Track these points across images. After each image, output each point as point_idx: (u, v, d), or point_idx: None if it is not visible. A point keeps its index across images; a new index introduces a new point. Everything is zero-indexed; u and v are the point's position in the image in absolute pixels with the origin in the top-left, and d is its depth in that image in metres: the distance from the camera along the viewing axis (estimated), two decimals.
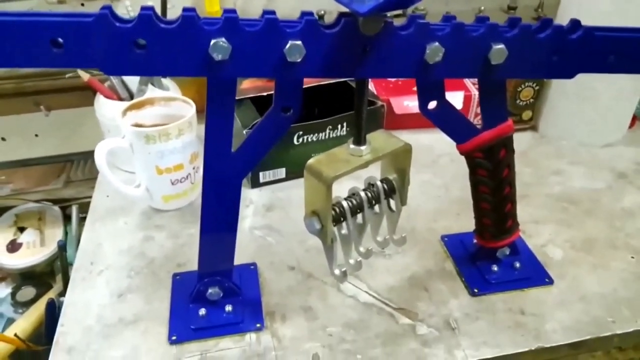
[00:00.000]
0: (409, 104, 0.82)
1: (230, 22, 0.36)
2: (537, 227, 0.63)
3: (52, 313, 0.73)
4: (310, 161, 0.45)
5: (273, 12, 0.37)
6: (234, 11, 0.36)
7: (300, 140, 0.69)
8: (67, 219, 0.96)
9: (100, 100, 0.71)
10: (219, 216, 0.46)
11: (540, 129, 0.84)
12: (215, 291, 0.51)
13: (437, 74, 0.40)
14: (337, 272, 0.48)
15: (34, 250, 0.90)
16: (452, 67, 0.40)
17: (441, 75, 0.40)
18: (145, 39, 0.35)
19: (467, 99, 0.81)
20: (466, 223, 0.61)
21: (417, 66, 0.39)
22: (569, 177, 0.73)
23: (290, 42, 0.36)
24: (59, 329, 0.51)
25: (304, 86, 0.41)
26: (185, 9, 0.35)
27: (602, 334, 0.49)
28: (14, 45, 0.34)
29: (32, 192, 0.92)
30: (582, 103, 0.77)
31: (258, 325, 0.50)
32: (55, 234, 0.93)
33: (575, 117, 0.79)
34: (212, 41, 0.35)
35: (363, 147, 0.45)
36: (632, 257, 0.59)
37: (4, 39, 0.34)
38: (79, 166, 0.97)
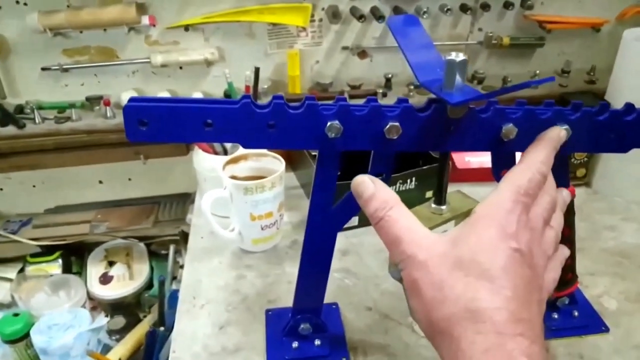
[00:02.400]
0: (470, 159, 0.89)
1: (343, 108, 0.44)
2: (593, 279, 0.69)
3: (153, 341, 0.82)
4: None
5: (375, 100, 0.45)
6: (344, 99, 0.45)
7: None
8: (151, 254, 1.07)
9: (199, 154, 0.81)
10: (316, 261, 0.54)
11: (594, 185, 0.90)
12: (306, 327, 0.58)
13: (510, 148, 0.48)
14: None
15: (124, 283, 1.00)
16: (523, 143, 0.47)
17: (514, 149, 0.48)
18: (277, 121, 0.44)
19: None
20: None
21: (493, 142, 0.47)
22: (622, 233, 0.78)
23: (390, 124, 0.45)
24: (171, 354, 0.59)
25: None
26: (307, 97, 0.45)
27: None
28: (173, 125, 0.43)
29: (124, 230, 1.02)
30: (635, 163, 0.82)
31: (344, 359, 0.57)
32: (141, 268, 1.04)
33: (627, 176, 0.84)
34: (329, 123, 0.44)
35: (443, 207, 0.52)
36: None
37: (166, 121, 0.43)
38: (165, 208, 1.08)
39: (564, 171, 0.52)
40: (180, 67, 0.98)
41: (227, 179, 0.69)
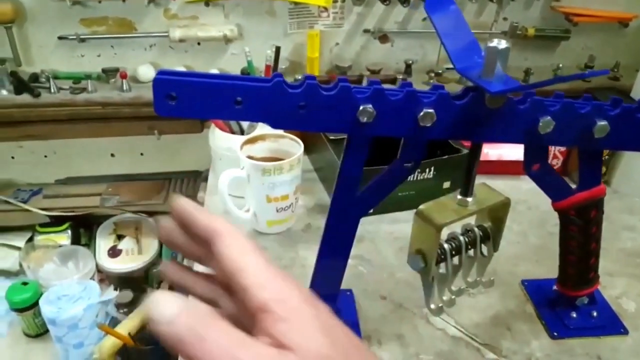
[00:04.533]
0: (489, 152, 0.88)
1: (377, 92, 0.43)
2: (611, 280, 0.68)
3: None
4: (421, 207, 0.52)
5: (410, 84, 0.44)
6: (378, 82, 0.44)
7: None
8: None
9: (215, 132, 0.80)
10: (337, 245, 0.53)
11: (613, 184, 0.88)
12: None
13: (546, 142, 0.46)
14: (433, 306, 0.54)
15: (133, 257, 1.00)
16: (559, 137, 0.46)
17: (550, 143, 0.47)
18: (308, 102, 0.43)
19: None
20: (544, 269, 0.66)
21: (529, 134, 0.45)
22: None
23: (424, 110, 0.43)
24: None
25: None
26: (340, 79, 0.43)
27: None
28: (203, 100, 0.42)
29: (135, 204, 1.02)
30: None
31: None
32: (150, 243, 1.03)
33: None
34: (361, 107, 0.43)
35: (469, 199, 0.51)
36: None
37: (196, 96, 0.42)
38: (177, 184, 1.07)
39: (596, 168, 0.50)
40: (198, 43, 0.96)
41: (245, 159, 0.68)
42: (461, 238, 0.54)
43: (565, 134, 0.46)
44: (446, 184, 0.80)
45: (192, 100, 0.41)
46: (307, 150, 0.91)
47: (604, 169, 0.88)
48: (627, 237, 0.77)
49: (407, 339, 0.58)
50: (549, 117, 0.45)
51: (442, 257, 0.53)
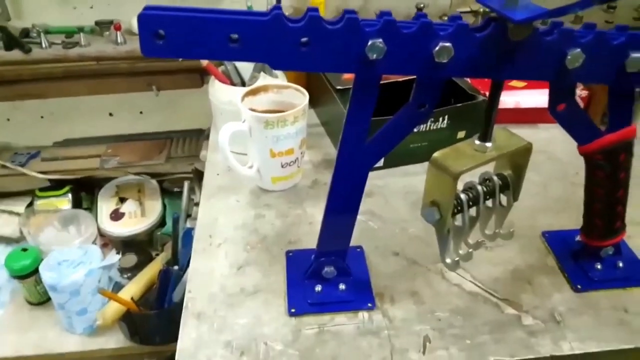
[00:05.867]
0: (505, 99, 0.83)
1: (388, 24, 0.39)
2: (637, 229, 0.64)
3: (166, 281, 0.79)
4: (436, 154, 0.48)
5: (425, 15, 0.39)
6: (389, 13, 0.39)
7: None
8: (163, 192, 1.03)
9: (215, 85, 0.75)
10: (345, 199, 0.49)
11: None
12: (330, 270, 0.54)
13: (574, 79, 0.42)
14: (449, 260, 0.51)
15: (136, 220, 0.97)
16: (589, 73, 0.42)
17: (578, 80, 0.42)
18: (311, 38, 0.38)
19: None
20: (566, 221, 0.63)
21: (556, 70, 0.41)
22: None
23: (440, 44, 0.39)
24: (187, 295, 0.56)
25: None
26: (347, 11, 0.39)
27: None
28: (194, 38, 0.38)
29: (136, 166, 0.98)
30: None
31: (369, 304, 0.54)
32: (153, 205, 1.00)
33: None
34: (370, 42, 0.38)
35: (488, 144, 0.47)
36: None
37: (186, 33, 0.38)
38: (178, 143, 1.03)
39: (628, 107, 0.46)
40: None
41: (246, 111, 0.64)
42: (479, 187, 0.50)
43: (596, 69, 0.41)
44: (461, 134, 0.76)
45: (182, 38, 0.37)
46: (313, 103, 0.87)
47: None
48: None
49: (422, 295, 0.55)
50: (578, 50, 0.40)
51: (459, 208, 0.49)
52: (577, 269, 0.57)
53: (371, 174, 0.73)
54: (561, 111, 0.46)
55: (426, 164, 0.47)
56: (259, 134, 0.65)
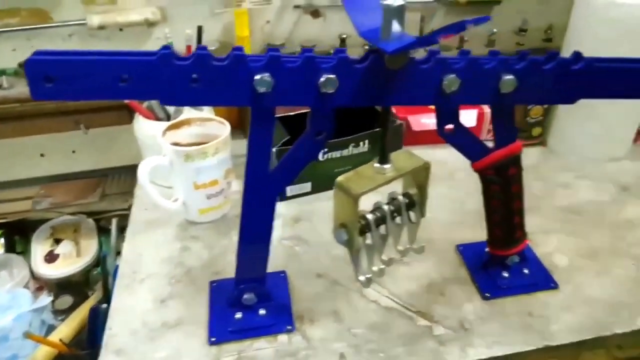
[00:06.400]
0: (426, 121, 0.87)
1: (273, 59, 0.41)
2: (545, 237, 0.68)
3: (95, 319, 0.78)
4: (339, 178, 0.50)
5: (311, 50, 0.42)
6: (277, 50, 0.42)
7: (326, 156, 0.74)
8: (100, 230, 1.02)
9: (139, 120, 0.76)
10: (256, 228, 0.51)
11: (549, 144, 0.89)
12: (250, 297, 0.56)
13: (454, 102, 0.45)
14: (362, 278, 0.53)
15: (71, 261, 0.96)
16: (467, 96, 0.45)
17: (457, 102, 0.45)
18: (200, 75, 0.40)
19: (481, 117, 0.86)
20: (481, 234, 0.65)
21: (436, 95, 0.44)
22: (576, 190, 0.78)
23: (324, 76, 0.42)
24: (107, 332, 0.56)
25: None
26: (234, 48, 0.41)
27: (603, 333, 0.54)
28: (83, 81, 0.39)
29: (70, 205, 0.97)
30: (589, 120, 0.81)
31: (289, 327, 0.55)
32: (90, 245, 0.99)
33: (582, 133, 0.83)
34: (257, 76, 0.41)
35: (387, 166, 0.50)
36: (633, 264, 0.63)
37: (75, 76, 0.39)
38: (113, 180, 1.03)
39: (509, 124, 0.50)
40: (120, 29, 0.92)
41: (166, 145, 0.65)
42: (385, 207, 0.53)
43: (472, 91, 0.45)
44: None
45: (71, 81, 0.39)
46: (246, 133, 0.89)
47: (540, 130, 0.88)
48: (562, 195, 0.77)
49: (341, 314, 0.57)
50: (453, 75, 0.43)
51: (367, 227, 0.52)
52: (487, 278, 0.60)
53: (300, 200, 0.75)
54: (449, 132, 0.49)
55: None
56: (180, 167, 0.66)
